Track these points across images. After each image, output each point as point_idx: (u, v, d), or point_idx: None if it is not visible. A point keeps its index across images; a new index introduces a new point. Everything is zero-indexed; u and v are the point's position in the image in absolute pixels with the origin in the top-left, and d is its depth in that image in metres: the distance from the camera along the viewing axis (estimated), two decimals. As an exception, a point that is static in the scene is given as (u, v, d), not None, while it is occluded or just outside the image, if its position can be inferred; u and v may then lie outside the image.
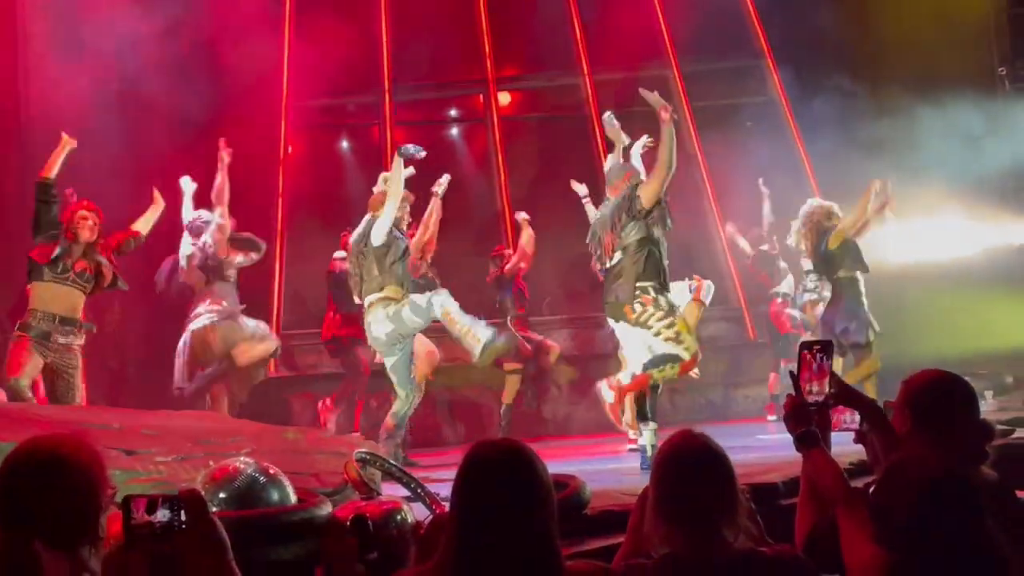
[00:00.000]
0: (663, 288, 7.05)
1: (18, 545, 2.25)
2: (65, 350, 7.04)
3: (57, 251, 7.04)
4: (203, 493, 4.12)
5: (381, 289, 7.40)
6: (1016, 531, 2.84)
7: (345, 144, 13.20)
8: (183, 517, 2.27)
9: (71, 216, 7.10)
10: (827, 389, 2.98)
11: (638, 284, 6.99)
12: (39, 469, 2.34)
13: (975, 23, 11.95)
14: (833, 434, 3.08)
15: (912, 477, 2.57)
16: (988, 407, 9.35)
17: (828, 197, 9.59)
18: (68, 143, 7.24)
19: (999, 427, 7.35)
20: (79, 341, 7.13)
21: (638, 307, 7.00)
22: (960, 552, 2.46)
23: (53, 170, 7.19)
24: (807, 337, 10.11)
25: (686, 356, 6.94)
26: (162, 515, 2.27)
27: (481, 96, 12.94)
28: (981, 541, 2.48)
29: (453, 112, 13.55)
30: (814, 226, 8.86)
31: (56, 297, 7.07)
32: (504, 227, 11.87)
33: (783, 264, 10.67)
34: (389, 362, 7.50)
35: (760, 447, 7.55)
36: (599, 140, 12.27)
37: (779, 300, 10.58)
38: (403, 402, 7.49)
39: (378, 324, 7.37)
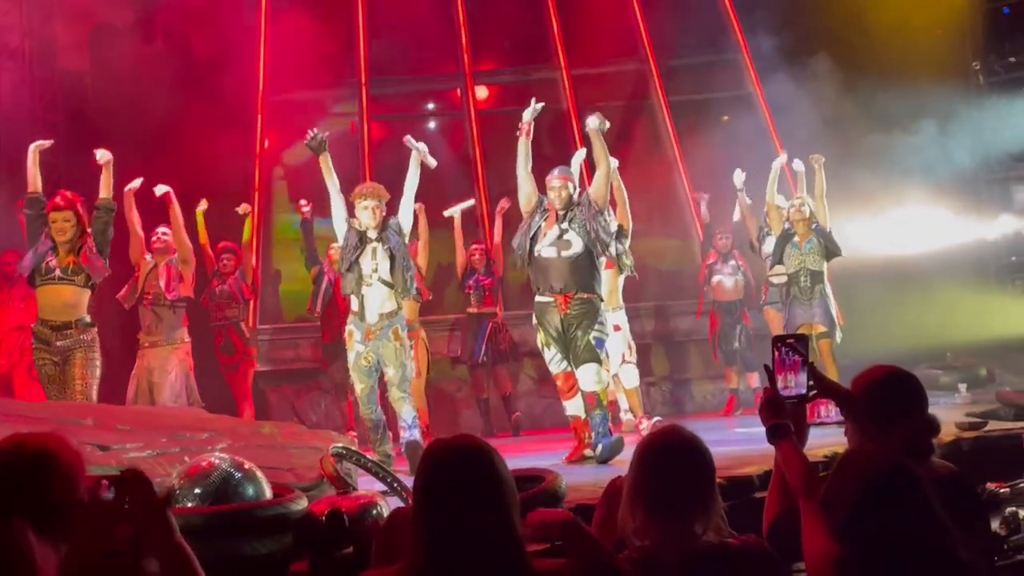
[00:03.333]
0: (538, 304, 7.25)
1: (13, 532, 2.25)
2: (67, 353, 6.98)
3: (30, 260, 7.05)
4: (178, 488, 4.14)
5: None
6: (976, 523, 2.87)
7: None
8: (126, 497, 2.27)
9: (48, 217, 7.06)
10: (803, 382, 3.00)
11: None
12: (27, 464, 2.35)
13: (950, 18, 12.03)
14: (814, 428, 3.10)
15: (856, 470, 2.59)
16: (962, 400, 9.43)
17: (803, 191, 9.64)
18: (39, 147, 7.13)
19: (973, 420, 7.43)
20: (82, 339, 7.01)
21: None
22: (904, 545, 2.48)
23: (37, 182, 7.09)
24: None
25: None
26: (105, 495, 2.27)
27: (458, 90, 12.91)
28: (927, 533, 2.50)
29: (430, 106, 13.53)
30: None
31: (48, 301, 7.04)
32: (481, 220, 11.85)
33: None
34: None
35: (736, 440, 7.58)
36: (576, 134, 12.27)
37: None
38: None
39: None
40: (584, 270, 7.12)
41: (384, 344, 7.19)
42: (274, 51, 12.03)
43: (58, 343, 6.97)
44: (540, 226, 7.21)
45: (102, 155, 7.27)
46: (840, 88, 11.27)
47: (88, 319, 7.09)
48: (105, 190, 7.23)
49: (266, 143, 12.12)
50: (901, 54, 11.29)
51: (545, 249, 7.15)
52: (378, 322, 7.20)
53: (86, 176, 8.00)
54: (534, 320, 7.30)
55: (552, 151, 12.27)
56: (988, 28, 12.51)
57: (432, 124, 13.42)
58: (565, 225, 7.15)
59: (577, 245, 7.09)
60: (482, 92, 12.95)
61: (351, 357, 7.29)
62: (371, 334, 7.19)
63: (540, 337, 7.26)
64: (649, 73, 12.74)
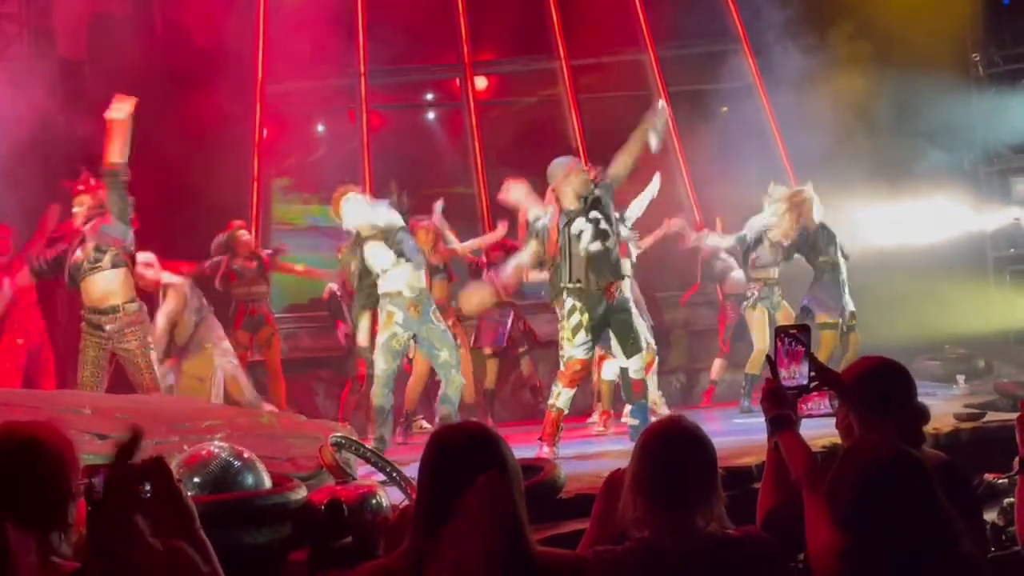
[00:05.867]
0: (579, 291, 7.04)
1: None
2: (119, 337, 6.92)
3: (39, 265, 7.10)
4: (177, 477, 4.13)
5: None
6: (969, 512, 2.87)
7: (321, 128, 13.13)
8: (147, 486, 2.27)
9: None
10: (804, 373, 3.00)
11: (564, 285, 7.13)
12: (14, 452, 2.34)
13: (950, 10, 12.00)
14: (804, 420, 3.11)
15: (861, 459, 2.59)
16: (960, 391, 9.44)
17: (801, 181, 9.63)
18: (121, 110, 6.72)
19: (971, 411, 7.44)
20: (127, 324, 6.92)
21: (557, 309, 7.25)
22: (908, 535, 2.48)
23: (116, 154, 6.77)
24: None
25: (561, 367, 7.12)
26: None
27: (457, 80, 12.89)
28: (931, 523, 2.49)
29: (429, 96, 13.50)
30: (794, 208, 9.00)
31: (86, 291, 6.98)
32: (481, 211, 11.85)
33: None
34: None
35: (736, 431, 7.59)
36: (575, 125, 12.28)
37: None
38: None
39: None
40: (618, 257, 7.26)
41: (429, 328, 7.37)
42: (273, 41, 12.00)
43: (108, 327, 6.92)
44: (580, 226, 7.08)
45: (118, 109, 6.76)
46: (838, 83, 11.25)
47: (134, 304, 6.99)
48: (116, 155, 6.82)
49: (265, 133, 12.10)
50: (901, 46, 11.26)
51: (592, 244, 7.05)
52: (418, 296, 7.35)
53: (81, 163, 8.00)
54: (571, 304, 7.06)
55: (552, 142, 12.29)
56: (988, 19, 12.48)
57: (431, 114, 13.41)
58: (595, 214, 7.10)
59: (611, 234, 7.17)
60: (481, 82, 12.92)
61: (383, 337, 7.34)
62: (414, 309, 7.28)
63: (578, 320, 7.04)
64: (648, 63, 12.71)
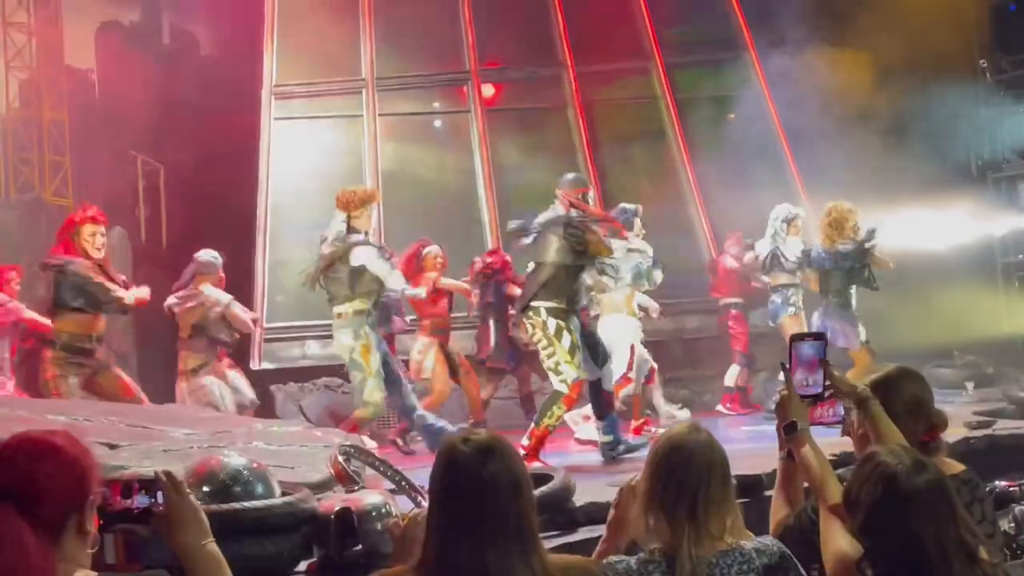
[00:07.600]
0: (562, 311, 6.87)
1: (5, 519, 2.25)
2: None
3: None
4: (187, 486, 4.13)
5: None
6: (985, 521, 2.86)
7: (329, 136, 13.14)
8: (160, 499, 2.26)
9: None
10: (819, 381, 2.98)
11: (531, 303, 6.91)
12: (34, 459, 2.34)
13: (957, 16, 11.99)
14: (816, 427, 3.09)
15: (876, 468, 2.58)
16: (969, 398, 9.41)
17: (809, 188, 9.63)
18: None
19: (981, 418, 7.42)
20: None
21: (529, 327, 6.99)
22: (926, 544, 2.46)
23: None
24: None
25: (564, 389, 6.80)
26: (139, 498, 2.26)
27: (465, 88, 12.90)
28: (948, 530, 2.48)
29: (437, 104, 13.51)
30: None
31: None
32: (489, 218, 11.85)
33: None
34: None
35: (746, 438, 7.57)
36: (582, 132, 12.27)
37: (733, 312, 10.46)
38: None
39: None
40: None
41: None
42: (281, 49, 12.03)
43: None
44: None
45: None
46: (846, 86, 11.25)
47: None
48: None
49: (272, 140, 12.11)
50: (907, 52, 11.25)
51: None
52: None
53: (92, 172, 8.03)
54: (556, 324, 6.88)
55: (559, 149, 12.30)
56: (995, 25, 12.48)
57: (438, 122, 13.41)
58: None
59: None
60: (488, 90, 12.94)
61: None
62: None
63: (569, 340, 6.86)
64: (655, 70, 12.72)
